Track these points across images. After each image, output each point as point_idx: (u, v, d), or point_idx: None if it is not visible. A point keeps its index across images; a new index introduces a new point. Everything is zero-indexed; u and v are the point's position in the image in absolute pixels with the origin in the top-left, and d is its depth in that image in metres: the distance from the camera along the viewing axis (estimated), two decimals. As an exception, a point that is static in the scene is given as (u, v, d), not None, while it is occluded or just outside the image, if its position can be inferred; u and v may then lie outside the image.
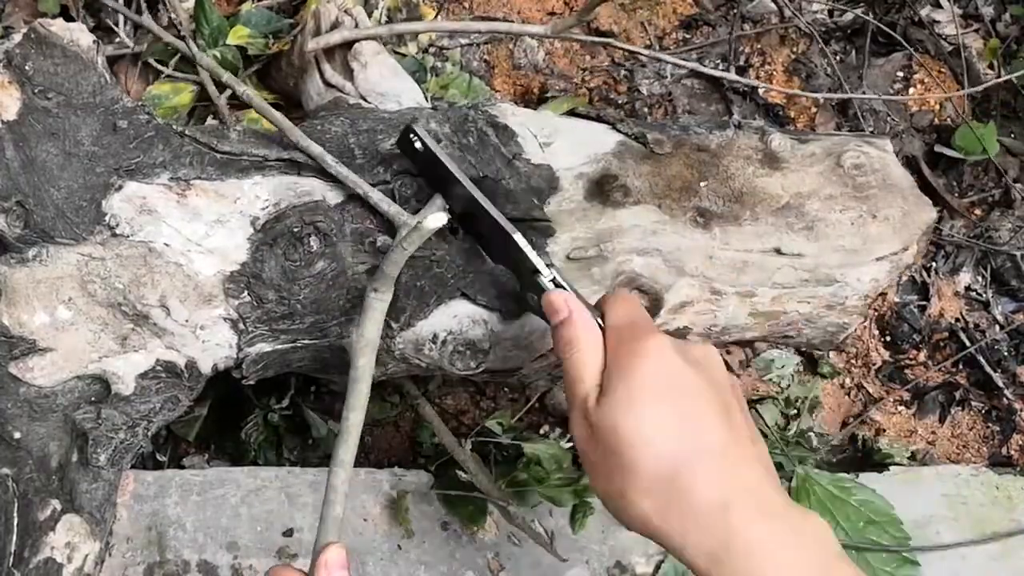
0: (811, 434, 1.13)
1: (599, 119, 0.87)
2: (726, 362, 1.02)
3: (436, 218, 0.61)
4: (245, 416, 0.99)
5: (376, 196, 0.74)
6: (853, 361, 1.16)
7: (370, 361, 0.61)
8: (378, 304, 0.66)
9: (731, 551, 0.49)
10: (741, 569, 0.48)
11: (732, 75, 1.18)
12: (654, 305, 0.79)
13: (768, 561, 0.48)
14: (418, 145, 0.72)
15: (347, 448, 0.60)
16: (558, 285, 0.66)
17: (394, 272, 0.69)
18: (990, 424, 1.13)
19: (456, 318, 0.77)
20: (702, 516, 0.50)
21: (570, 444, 0.94)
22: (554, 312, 0.63)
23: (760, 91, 1.22)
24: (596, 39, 1.08)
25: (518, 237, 0.69)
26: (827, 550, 0.51)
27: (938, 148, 1.23)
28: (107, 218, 0.74)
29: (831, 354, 1.16)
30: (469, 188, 0.70)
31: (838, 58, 1.29)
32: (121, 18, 1.11)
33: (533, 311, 0.70)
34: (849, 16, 1.30)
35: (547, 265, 0.68)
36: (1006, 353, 1.15)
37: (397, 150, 0.77)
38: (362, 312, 0.68)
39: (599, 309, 0.66)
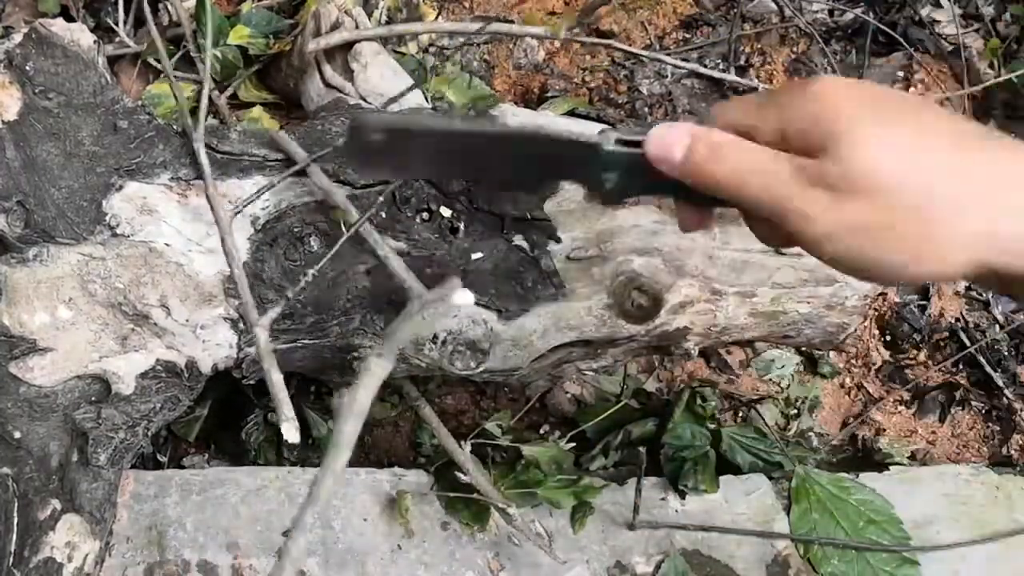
0: (811, 434, 1.12)
1: (599, 119, 0.87)
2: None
3: (462, 295, 0.58)
4: (245, 416, 0.99)
5: (395, 263, 0.71)
6: (853, 361, 1.16)
7: (356, 428, 0.58)
8: (379, 370, 0.62)
9: None
10: None
11: (732, 76, 1.18)
12: (654, 305, 0.79)
13: None
14: (376, 136, 0.53)
15: (310, 512, 0.56)
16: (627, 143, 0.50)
17: (403, 340, 0.66)
18: (990, 424, 1.13)
19: (456, 318, 0.78)
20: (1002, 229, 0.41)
21: (570, 445, 0.94)
22: (670, 144, 0.48)
23: (764, 87, 1.22)
24: (596, 40, 1.08)
25: (555, 129, 0.52)
26: None
27: (938, 148, 1.22)
28: (108, 218, 0.74)
29: (831, 354, 1.16)
30: (467, 127, 0.54)
31: (838, 58, 1.29)
32: (121, 18, 1.11)
33: (625, 191, 0.52)
34: (849, 16, 1.30)
35: (599, 132, 0.52)
36: (1006, 353, 1.15)
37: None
38: (359, 374, 0.64)
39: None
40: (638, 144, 0.49)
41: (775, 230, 0.46)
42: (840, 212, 0.43)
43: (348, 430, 0.59)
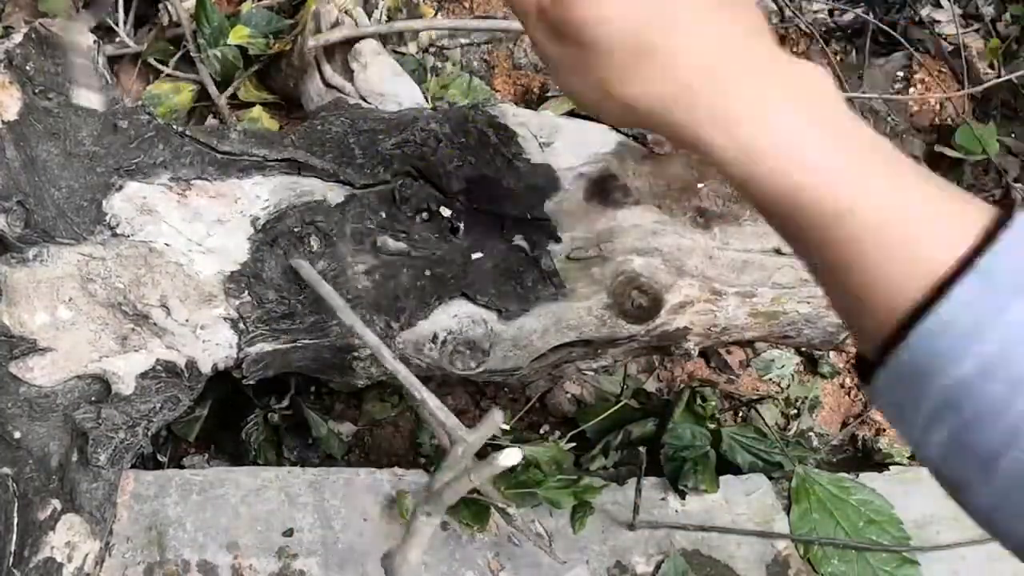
0: (811, 434, 1.13)
1: (599, 119, 0.87)
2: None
3: (509, 455, 0.56)
4: (245, 416, 0.99)
5: (432, 403, 0.67)
6: (853, 361, 1.16)
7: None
8: (427, 529, 0.61)
9: (719, 121, 0.42)
10: (739, 146, 0.42)
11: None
12: (654, 305, 0.79)
13: (760, 128, 0.41)
14: None
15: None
16: None
17: (452, 499, 0.62)
18: (990, 424, 1.13)
19: (456, 318, 0.78)
20: (685, 87, 0.43)
21: (571, 445, 0.94)
22: None
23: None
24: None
25: None
26: (826, 104, 0.43)
27: (938, 148, 1.23)
28: (108, 218, 0.74)
29: (831, 354, 1.16)
30: None
31: (838, 58, 1.29)
32: (121, 18, 1.11)
33: None
34: (849, 16, 1.30)
35: None
36: (1006, 353, 1.15)
37: (397, 150, 0.77)
38: (408, 534, 0.61)
39: None
40: None
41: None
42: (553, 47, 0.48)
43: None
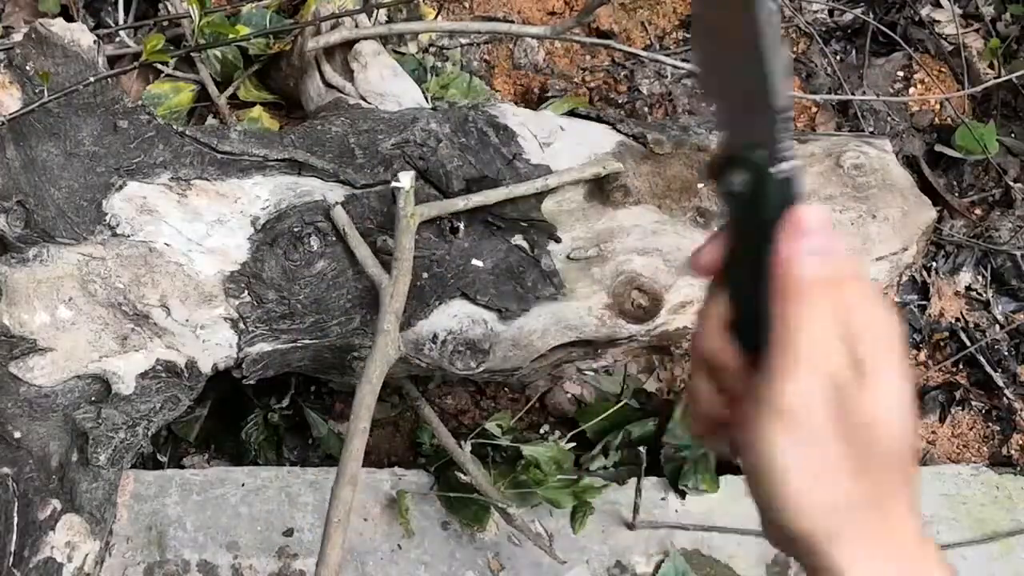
0: (811, 434, 1.12)
1: (599, 119, 0.87)
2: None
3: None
4: (245, 416, 0.99)
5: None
6: (853, 361, 1.16)
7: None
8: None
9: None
10: None
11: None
12: (654, 305, 0.79)
13: None
14: None
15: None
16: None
17: None
18: (990, 424, 1.13)
19: (456, 318, 0.78)
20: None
21: (571, 445, 0.94)
22: (810, 236, 0.42)
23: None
24: (596, 41, 1.08)
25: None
26: None
27: (938, 148, 1.22)
28: (108, 218, 0.74)
29: (831, 354, 1.15)
30: None
31: (838, 58, 1.29)
32: (121, 18, 1.11)
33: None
34: (849, 16, 1.30)
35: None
36: (1006, 353, 1.15)
37: (397, 151, 0.77)
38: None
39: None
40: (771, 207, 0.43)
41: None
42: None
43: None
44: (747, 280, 0.44)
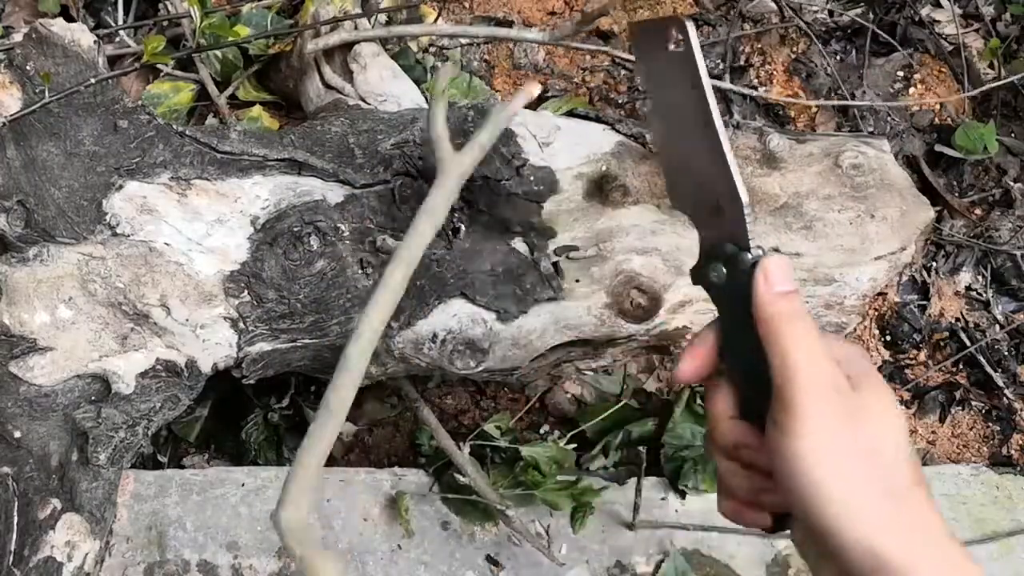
0: (811, 434, 1.12)
1: (599, 119, 0.87)
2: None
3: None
4: (245, 416, 0.99)
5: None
6: (853, 361, 1.16)
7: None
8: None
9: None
10: None
11: (726, 83, 1.18)
12: (653, 304, 0.79)
13: None
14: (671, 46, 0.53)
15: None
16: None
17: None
18: (990, 424, 1.13)
19: (456, 317, 0.78)
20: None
21: (571, 446, 0.94)
22: (779, 280, 0.51)
23: (760, 92, 1.22)
24: (593, 47, 1.08)
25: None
26: None
27: (938, 147, 1.22)
28: (108, 217, 0.74)
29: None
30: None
31: (838, 58, 1.29)
32: (121, 17, 1.11)
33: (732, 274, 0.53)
34: (849, 16, 1.30)
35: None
36: (1006, 353, 1.15)
37: (397, 150, 0.77)
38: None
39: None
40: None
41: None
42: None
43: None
44: (744, 354, 0.51)
